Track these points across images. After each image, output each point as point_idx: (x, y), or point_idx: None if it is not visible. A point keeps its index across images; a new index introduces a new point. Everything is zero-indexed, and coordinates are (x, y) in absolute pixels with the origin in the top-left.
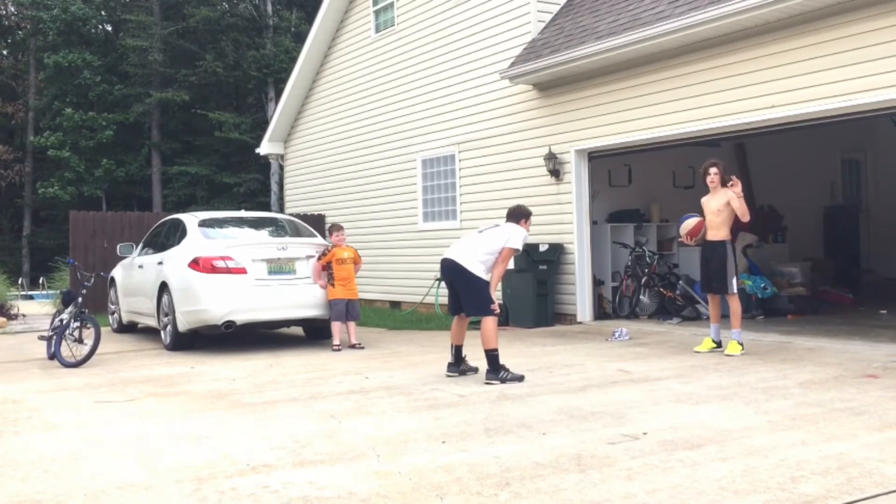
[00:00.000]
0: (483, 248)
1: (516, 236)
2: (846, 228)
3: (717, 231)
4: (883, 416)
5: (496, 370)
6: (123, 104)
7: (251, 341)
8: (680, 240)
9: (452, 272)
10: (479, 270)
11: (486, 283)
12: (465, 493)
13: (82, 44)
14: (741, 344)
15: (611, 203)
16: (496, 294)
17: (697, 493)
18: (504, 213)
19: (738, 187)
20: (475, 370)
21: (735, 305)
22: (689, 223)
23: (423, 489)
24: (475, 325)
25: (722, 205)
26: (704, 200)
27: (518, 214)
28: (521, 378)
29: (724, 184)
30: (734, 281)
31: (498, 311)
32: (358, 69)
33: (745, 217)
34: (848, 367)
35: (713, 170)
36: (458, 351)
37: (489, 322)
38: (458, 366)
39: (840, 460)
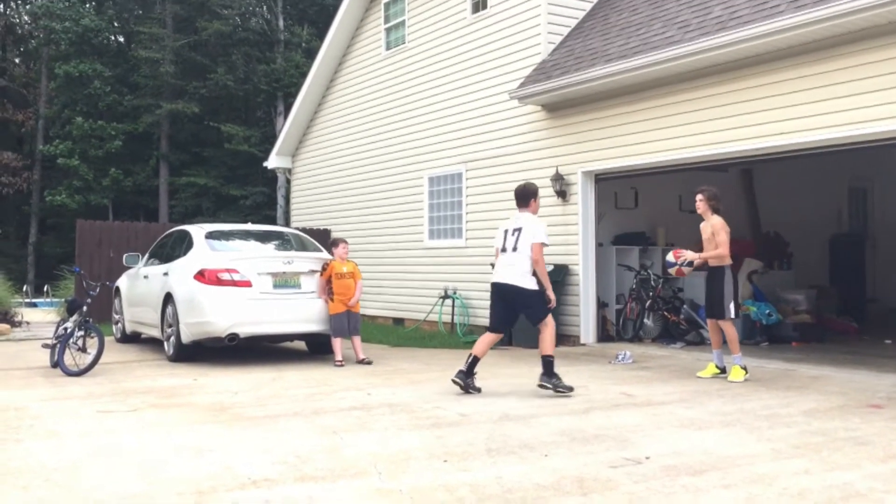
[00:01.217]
0: (527, 259)
1: (538, 230)
2: (852, 257)
3: (717, 258)
4: (887, 446)
5: (551, 375)
6: (133, 114)
7: (254, 354)
8: (671, 272)
9: (510, 294)
10: (534, 283)
11: (542, 293)
12: None
13: (94, 54)
14: (744, 368)
15: (617, 225)
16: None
17: None
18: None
19: (689, 254)
20: (478, 391)
21: (730, 331)
22: (669, 258)
23: None
24: (471, 345)
25: (709, 233)
26: (702, 226)
27: (527, 196)
28: (570, 389)
29: (715, 210)
30: (731, 306)
31: (554, 304)
32: (367, 86)
33: (722, 253)
34: (852, 397)
35: (698, 197)
36: (475, 362)
37: (549, 331)
38: (468, 376)
39: (843, 490)
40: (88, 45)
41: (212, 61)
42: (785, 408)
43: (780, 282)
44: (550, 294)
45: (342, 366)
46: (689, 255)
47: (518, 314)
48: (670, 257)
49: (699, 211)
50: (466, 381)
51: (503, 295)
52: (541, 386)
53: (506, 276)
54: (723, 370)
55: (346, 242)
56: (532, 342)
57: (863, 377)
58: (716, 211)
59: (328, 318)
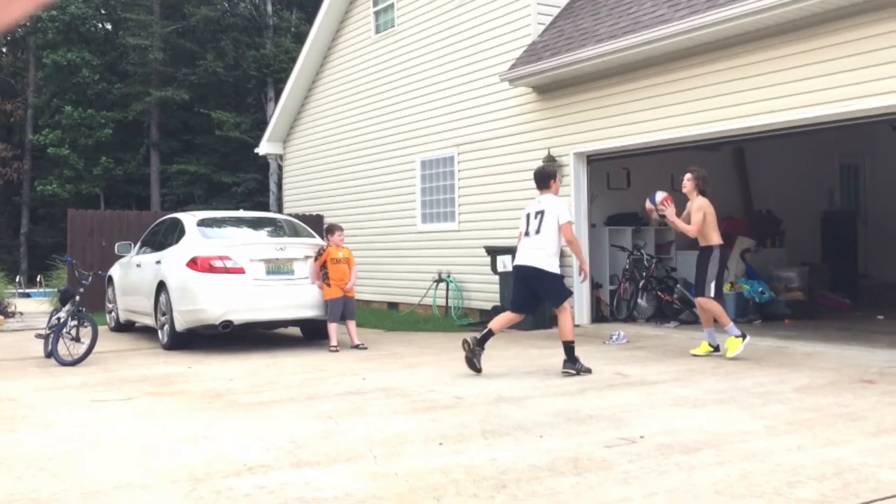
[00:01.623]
0: (549, 242)
1: (563, 211)
2: (844, 233)
3: (702, 238)
4: (880, 421)
5: (573, 360)
6: (122, 103)
7: (249, 341)
8: (650, 211)
9: (531, 277)
10: (555, 266)
11: (562, 277)
12: (461, 495)
13: (82, 42)
14: (742, 336)
15: (609, 206)
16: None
17: (694, 497)
18: (502, 214)
19: (671, 210)
20: (479, 371)
21: (712, 307)
22: (658, 197)
23: (420, 491)
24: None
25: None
26: (688, 206)
27: (546, 177)
28: (589, 370)
29: (701, 192)
30: (711, 285)
31: (572, 292)
32: (358, 70)
33: (691, 231)
34: (845, 373)
35: (687, 176)
36: (488, 335)
37: (567, 316)
38: (481, 346)
39: (837, 465)
40: (76, 32)
41: (200, 48)
42: (778, 385)
43: (772, 259)
44: (585, 268)
45: (337, 351)
46: (669, 213)
47: (539, 298)
48: (658, 197)
49: (685, 190)
50: (474, 351)
51: (524, 278)
52: (565, 373)
53: (528, 258)
54: (716, 348)
55: (341, 229)
56: (526, 325)
57: (855, 353)
58: (702, 193)
59: (322, 304)
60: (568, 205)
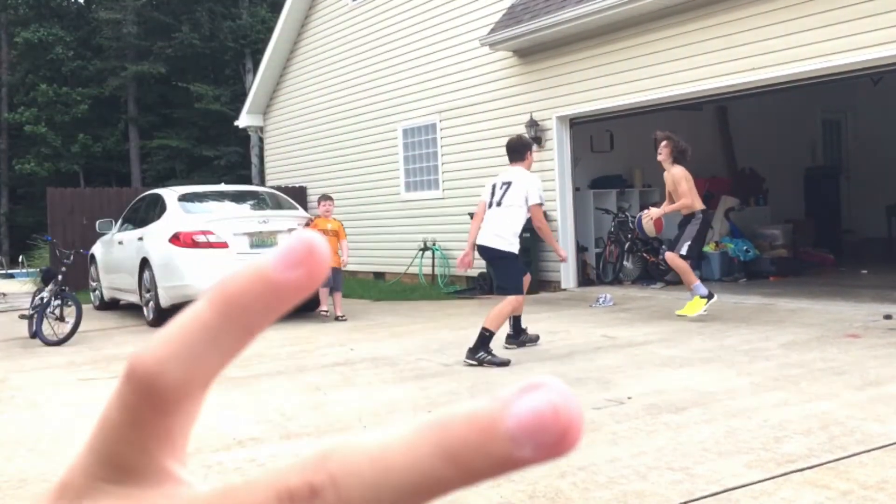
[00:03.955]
0: (512, 220)
1: (532, 189)
2: (827, 189)
3: (680, 208)
4: (864, 375)
5: (477, 350)
6: (98, 78)
7: None
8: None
9: (485, 256)
10: (514, 245)
11: (515, 257)
12: None
13: (54, 17)
14: (708, 297)
15: (593, 169)
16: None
17: (682, 455)
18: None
19: (657, 212)
20: (535, 339)
21: (678, 263)
22: (646, 227)
23: None
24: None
25: (671, 184)
26: (665, 177)
27: (521, 149)
28: (505, 363)
29: (677, 161)
30: (686, 245)
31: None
32: (335, 39)
33: (685, 202)
34: (830, 328)
35: (663, 143)
36: (516, 322)
37: (507, 306)
38: (517, 336)
39: (822, 419)
40: (47, 7)
41: (175, 20)
42: (764, 342)
43: (756, 218)
44: (560, 251)
45: (328, 315)
46: (653, 212)
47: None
48: (645, 224)
49: (660, 158)
50: (520, 340)
51: (485, 258)
52: (466, 362)
53: (485, 238)
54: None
55: (330, 199)
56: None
57: (840, 308)
58: (676, 161)
59: None
60: (538, 187)
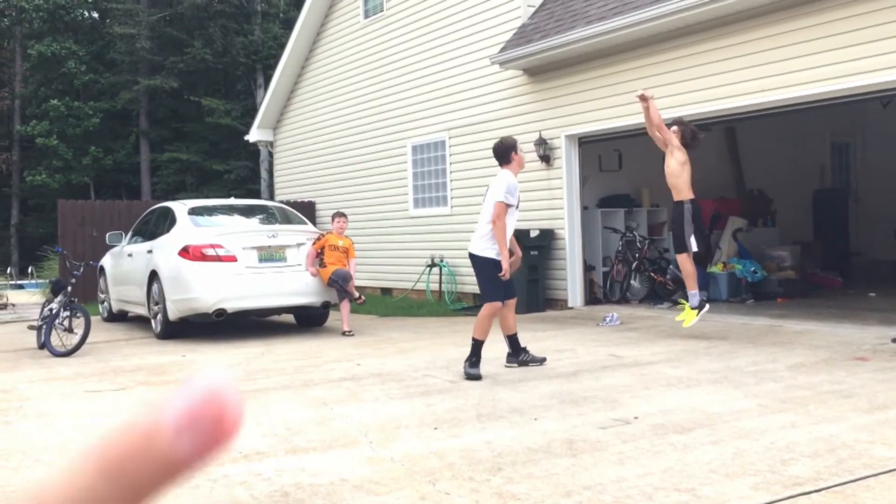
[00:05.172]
0: (487, 224)
1: (499, 188)
2: (835, 212)
3: (675, 191)
4: (872, 398)
5: (471, 359)
6: (111, 92)
7: (242, 329)
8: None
9: (471, 263)
10: (489, 251)
11: (495, 264)
12: (457, 478)
13: (68, 31)
14: (699, 307)
15: (601, 188)
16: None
17: (688, 476)
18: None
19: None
20: (541, 361)
21: (686, 265)
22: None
23: (416, 475)
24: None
25: (670, 166)
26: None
27: (506, 150)
28: (478, 378)
29: (685, 146)
30: (692, 239)
31: (506, 276)
32: (347, 55)
33: (665, 136)
34: (837, 350)
35: (673, 128)
36: (512, 341)
37: (489, 312)
38: (517, 355)
39: (829, 442)
40: (61, 22)
41: (188, 35)
42: (771, 363)
43: (764, 239)
44: (504, 264)
45: (351, 334)
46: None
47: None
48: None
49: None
50: (521, 360)
51: (472, 265)
52: (466, 374)
53: (471, 244)
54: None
55: (345, 216)
56: (519, 309)
57: (848, 330)
58: (685, 146)
59: (316, 291)
60: (506, 186)
